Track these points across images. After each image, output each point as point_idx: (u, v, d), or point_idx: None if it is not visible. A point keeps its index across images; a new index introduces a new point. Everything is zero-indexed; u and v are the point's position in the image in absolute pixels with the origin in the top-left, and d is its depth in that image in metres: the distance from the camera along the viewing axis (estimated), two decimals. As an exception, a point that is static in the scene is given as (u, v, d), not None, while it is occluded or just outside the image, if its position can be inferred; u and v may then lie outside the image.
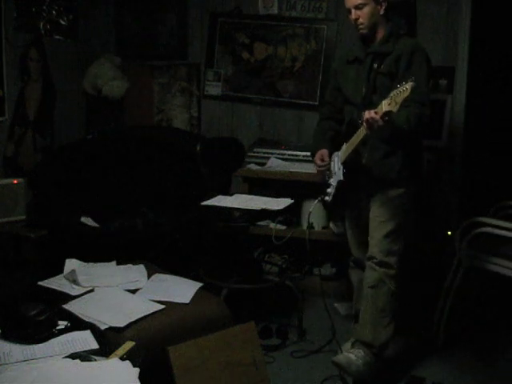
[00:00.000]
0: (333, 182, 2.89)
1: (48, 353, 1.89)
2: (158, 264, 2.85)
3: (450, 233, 3.67)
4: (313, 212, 3.87)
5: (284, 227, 3.89)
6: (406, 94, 2.34)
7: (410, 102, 2.54)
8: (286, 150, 4.09)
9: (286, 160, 4.00)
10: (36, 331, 1.96)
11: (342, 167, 2.82)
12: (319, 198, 2.99)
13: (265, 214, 3.24)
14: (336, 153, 2.93)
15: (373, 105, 2.70)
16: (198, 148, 3.85)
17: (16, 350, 1.89)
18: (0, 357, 1.84)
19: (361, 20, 2.78)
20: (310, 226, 3.84)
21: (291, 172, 3.84)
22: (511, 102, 4.16)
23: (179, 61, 4.50)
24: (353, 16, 2.79)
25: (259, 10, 4.29)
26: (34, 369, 1.76)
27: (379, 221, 2.84)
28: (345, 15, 4.06)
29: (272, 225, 3.89)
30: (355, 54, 2.90)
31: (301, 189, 3.87)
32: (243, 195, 3.43)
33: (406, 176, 2.82)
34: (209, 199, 3.28)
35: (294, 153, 4.05)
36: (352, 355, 2.75)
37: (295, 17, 4.24)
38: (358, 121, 2.71)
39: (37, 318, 1.98)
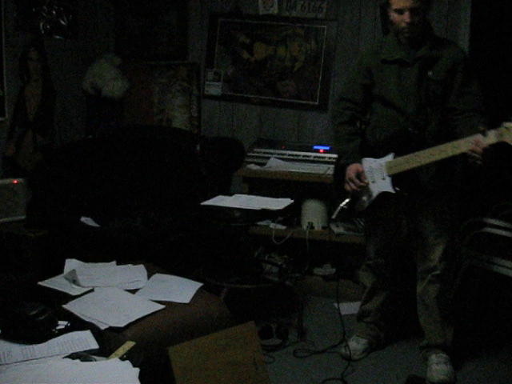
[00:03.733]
0: (371, 191, 2.80)
1: (48, 353, 1.89)
2: (158, 264, 2.85)
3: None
4: (313, 212, 3.90)
5: (284, 227, 3.90)
6: None
7: (473, 112, 2.62)
8: (286, 149, 4.09)
9: (286, 160, 4.01)
10: (36, 331, 1.96)
11: (390, 179, 2.73)
12: (344, 205, 2.85)
13: (265, 213, 3.24)
14: (369, 159, 2.81)
15: (427, 117, 2.70)
16: (198, 148, 3.86)
17: (16, 350, 1.88)
18: (0, 357, 1.84)
19: (415, 24, 2.61)
20: (311, 226, 3.85)
21: (291, 172, 3.84)
22: (511, 103, 4.15)
23: (179, 61, 4.50)
24: (406, 19, 2.59)
25: (259, 10, 4.29)
26: (33, 369, 1.76)
27: (437, 235, 2.82)
28: (344, 15, 4.12)
29: (272, 225, 3.90)
30: (396, 54, 2.73)
31: (301, 189, 3.87)
32: (243, 195, 3.43)
33: (455, 185, 2.83)
34: (209, 199, 3.28)
35: (294, 153, 4.05)
36: (446, 365, 2.85)
37: (295, 17, 4.24)
38: (413, 132, 2.68)
39: (37, 318, 1.98)
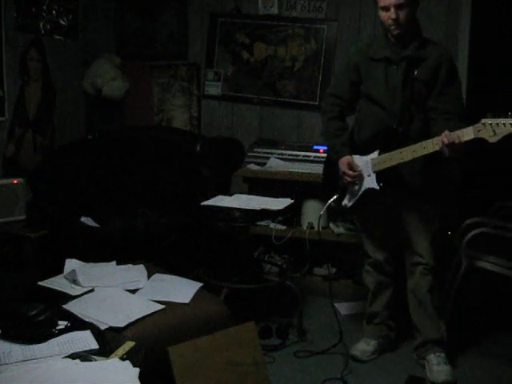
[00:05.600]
0: (358, 187, 2.86)
1: (48, 353, 1.88)
2: (157, 264, 2.85)
3: (450, 233, 3.67)
4: (313, 212, 3.90)
5: (284, 227, 3.90)
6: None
7: (452, 114, 2.67)
8: (286, 149, 4.09)
9: (286, 160, 4.00)
10: (36, 331, 1.96)
11: (375, 176, 2.79)
12: (332, 202, 2.94)
13: (265, 213, 3.24)
14: (356, 157, 2.86)
15: (412, 115, 2.75)
16: (198, 148, 3.86)
17: (16, 350, 1.88)
18: (0, 357, 1.84)
19: (401, 21, 2.65)
20: (311, 226, 3.85)
21: (291, 172, 3.84)
22: (511, 103, 4.16)
23: (179, 61, 4.50)
24: (392, 15, 2.64)
25: (259, 10, 4.29)
26: (33, 369, 1.75)
27: (425, 229, 2.87)
28: (344, 15, 4.12)
29: (272, 225, 3.89)
30: (383, 53, 2.78)
31: (301, 189, 3.87)
32: (243, 195, 3.43)
33: (440, 185, 2.88)
34: (209, 199, 3.28)
35: (294, 153, 4.05)
36: (446, 365, 2.86)
37: (295, 17, 4.24)
38: (397, 130, 2.72)
39: (37, 318, 1.98)
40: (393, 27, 2.69)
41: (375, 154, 2.79)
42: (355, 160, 2.87)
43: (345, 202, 2.94)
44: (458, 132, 2.47)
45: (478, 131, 2.41)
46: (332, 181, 2.99)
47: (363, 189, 2.84)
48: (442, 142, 2.49)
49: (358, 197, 2.87)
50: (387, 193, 2.82)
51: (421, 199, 2.86)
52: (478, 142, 2.46)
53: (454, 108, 2.72)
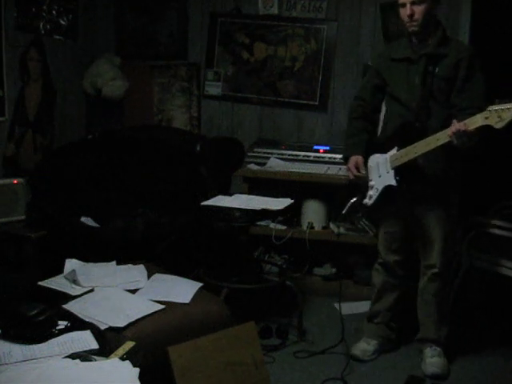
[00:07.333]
0: (376, 185, 2.86)
1: (48, 353, 1.88)
2: (158, 264, 2.85)
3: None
4: (313, 212, 3.90)
5: (284, 227, 3.90)
6: None
7: (472, 109, 2.63)
8: (286, 150, 4.09)
9: (286, 160, 4.01)
10: (36, 331, 1.96)
11: (393, 172, 2.79)
12: (354, 200, 2.93)
13: (265, 214, 3.24)
14: (377, 155, 2.88)
15: (429, 110, 2.78)
16: (198, 148, 3.85)
17: (16, 350, 1.88)
18: (0, 357, 1.84)
19: (416, 16, 2.70)
20: (311, 226, 3.85)
21: (291, 172, 3.84)
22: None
23: (179, 61, 4.50)
24: (408, 11, 2.70)
25: (259, 10, 4.29)
26: (33, 369, 1.75)
27: (439, 231, 2.87)
28: (344, 15, 4.12)
29: (272, 225, 3.89)
30: (404, 53, 2.84)
31: (301, 189, 3.87)
32: (243, 195, 3.43)
33: (458, 179, 2.90)
34: (209, 199, 3.28)
35: (294, 153, 4.05)
36: (440, 358, 2.91)
37: (295, 17, 4.24)
38: (415, 125, 2.76)
39: (37, 318, 1.98)
40: (409, 24, 2.75)
41: (394, 151, 2.81)
42: (376, 158, 2.88)
43: (366, 200, 2.92)
44: (466, 120, 2.50)
45: (485, 118, 2.42)
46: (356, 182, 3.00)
47: (382, 186, 2.85)
48: (451, 131, 2.52)
49: (377, 195, 2.87)
50: (404, 190, 2.82)
51: (438, 199, 2.86)
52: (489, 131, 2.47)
53: (473, 104, 2.70)
